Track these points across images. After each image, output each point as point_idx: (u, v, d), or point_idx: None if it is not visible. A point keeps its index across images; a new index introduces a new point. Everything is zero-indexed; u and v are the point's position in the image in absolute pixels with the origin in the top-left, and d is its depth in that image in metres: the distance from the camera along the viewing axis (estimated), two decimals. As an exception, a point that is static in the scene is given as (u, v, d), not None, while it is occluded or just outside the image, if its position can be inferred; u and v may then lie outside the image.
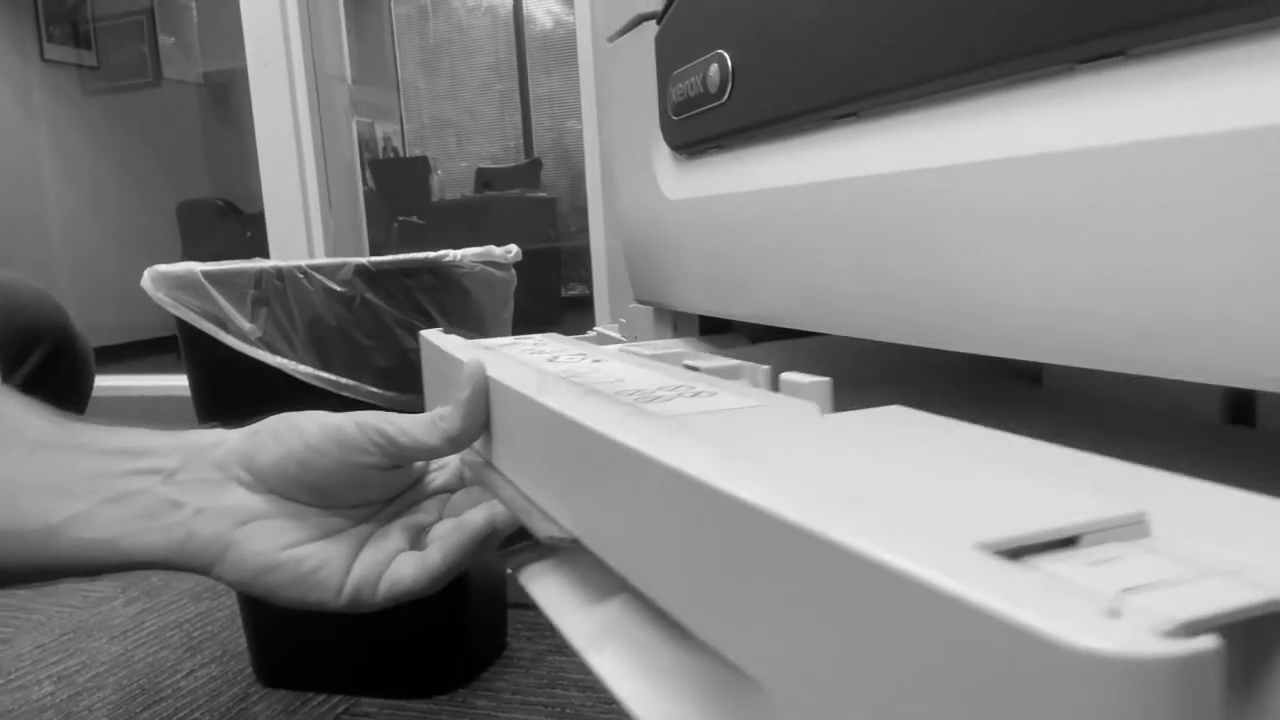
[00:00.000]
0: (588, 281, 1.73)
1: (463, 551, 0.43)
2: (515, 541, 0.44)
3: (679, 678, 0.27)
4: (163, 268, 0.91)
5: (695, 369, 0.40)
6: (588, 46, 1.44)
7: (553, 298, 3.45)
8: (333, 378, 0.87)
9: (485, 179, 3.69)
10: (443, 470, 0.47)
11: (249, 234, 3.04)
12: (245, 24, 1.62)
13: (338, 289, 0.87)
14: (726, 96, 0.45)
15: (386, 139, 3.93)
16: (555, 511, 0.35)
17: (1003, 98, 0.31)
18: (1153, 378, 0.42)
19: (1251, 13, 0.23)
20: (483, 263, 0.94)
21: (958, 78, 0.32)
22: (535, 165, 3.82)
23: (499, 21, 4.32)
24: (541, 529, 0.38)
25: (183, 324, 0.91)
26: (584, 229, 1.58)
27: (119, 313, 2.39)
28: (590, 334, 0.72)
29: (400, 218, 3.25)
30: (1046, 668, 0.13)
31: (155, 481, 0.41)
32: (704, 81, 0.46)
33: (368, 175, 2.99)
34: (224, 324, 0.89)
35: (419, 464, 0.46)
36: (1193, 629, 0.14)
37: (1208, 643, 0.13)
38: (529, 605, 0.73)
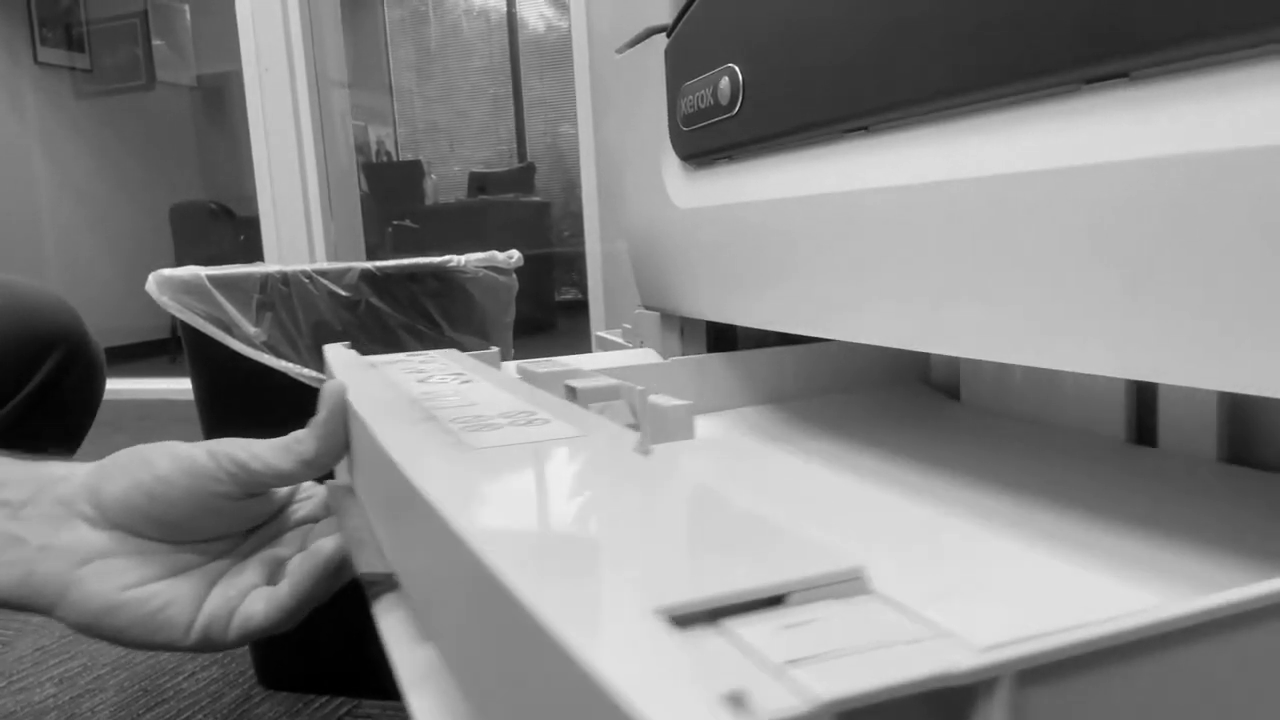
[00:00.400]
0: (581, 286, 1.74)
1: (313, 582, 0.41)
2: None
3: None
4: (167, 272, 0.91)
5: (572, 389, 0.40)
6: (583, 51, 1.45)
7: (547, 302, 3.45)
8: (337, 381, 0.88)
9: (479, 183, 3.69)
10: (308, 500, 0.46)
11: (242, 237, 3.04)
12: (245, 30, 1.62)
13: (343, 293, 0.88)
14: (737, 109, 0.46)
15: (380, 143, 3.93)
16: (383, 542, 0.34)
17: (1010, 115, 0.32)
18: (1064, 398, 0.46)
19: (1248, 39, 0.24)
20: (486, 268, 0.95)
21: (967, 95, 0.33)
22: (529, 169, 3.83)
23: (492, 25, 4.32)
24: (363, 562, 0.38)
25: (187, 328, 0.92)
26: (577, 233, 1.59)
27: (112, 316, 2.39)
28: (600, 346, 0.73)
29: (394, 222, 3.25)
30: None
31: (1, 516, 0.39)
32: (714, 94, 0.47)
33: (362, 179, 2.99)
34: (229, 328, 0.90)
35: (280, 493, 0.44)
36: (833, 708, 0.13)
37: None
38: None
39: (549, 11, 4.28)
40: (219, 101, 3.64)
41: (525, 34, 4.26)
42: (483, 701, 0.22)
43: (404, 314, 0.90)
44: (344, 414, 0.39)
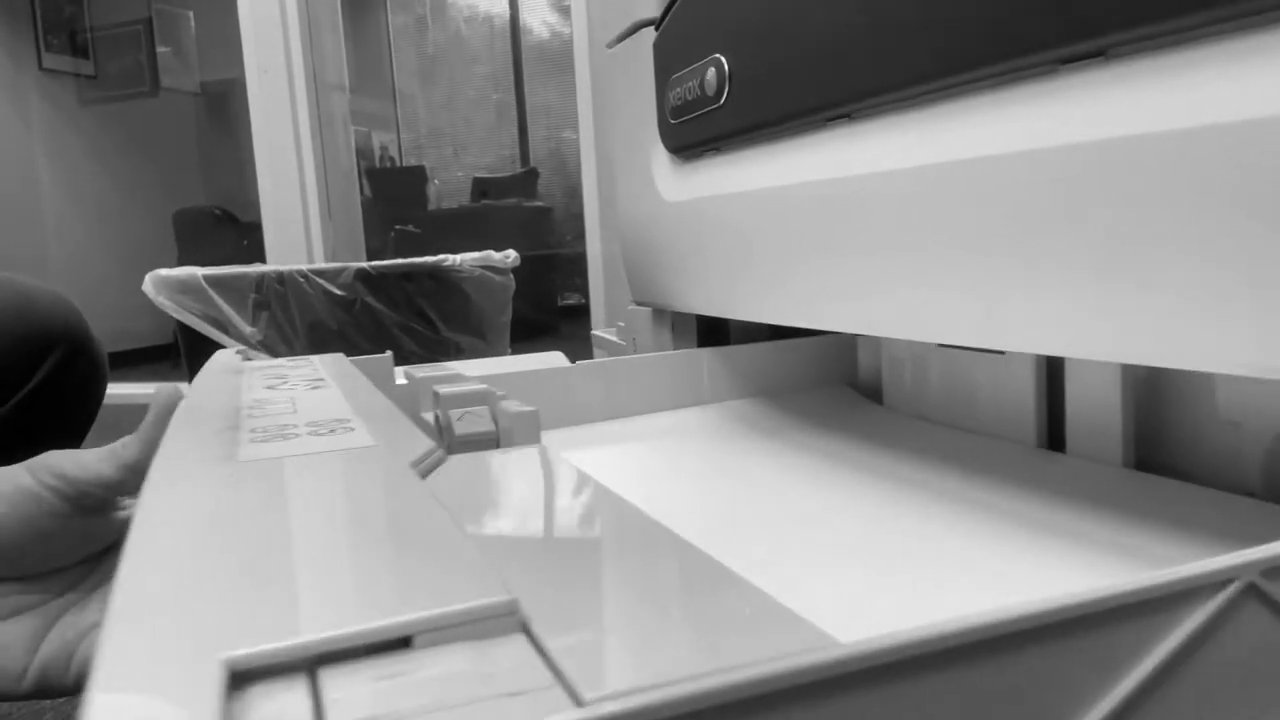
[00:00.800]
0: (583, 290, 1.74)
1: None
2: None
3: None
4: (164, 272, 0.92)
5: (437, 394, 0.39)
6: (584, 57, 1.46)
7: (549, 306, 3.46)
8: (333, 381, 0.88)
9: (482, 188, 3.70)
10: None
11: (245, 242, 3.05)
12: (244, 31, 1.63)
13: (338, 293, 0.88)
14: (723, 100, 0.46)
15: (383, 148, 3.94)
16: None
17: (990, 98, 0.32)
18: (978, 403, 0.46)
19: (1222, 13, 0.24)
20: (482, 267, 0.95)
21: (945, 79, 0.33)
22: (532, 175, 3.83)
23: (495, 32, 4.33)
24: None
25: (184, 327, 0.92)
26: (580, 237, 1.59)
27: (116, 320, 2.40)
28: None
29: (397, 226, 3.26)
30: None
31: None
32: (701, 85, 0.47)
33: (365, 184, 3.00)
34: (225, 327, 0.90)
35: (123, 517, 0.41)
36: None
37: None
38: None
39: (552, 18, 4.29)
40: (223, 108, 3.65)
41: (529, 40, 4.27)
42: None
43: (399, 313, 0.90)
44: (169, 420, 0.36)
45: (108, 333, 0.88)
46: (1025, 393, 0.45)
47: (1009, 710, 0.16)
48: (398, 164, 4.03)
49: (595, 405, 0.53)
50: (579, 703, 0.13)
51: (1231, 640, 0.18)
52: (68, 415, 0.81)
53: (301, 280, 0.91)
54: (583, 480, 0.27)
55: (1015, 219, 0.31)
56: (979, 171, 0.31)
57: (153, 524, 0.21)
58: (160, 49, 3.53)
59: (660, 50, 0.53)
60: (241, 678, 0.14)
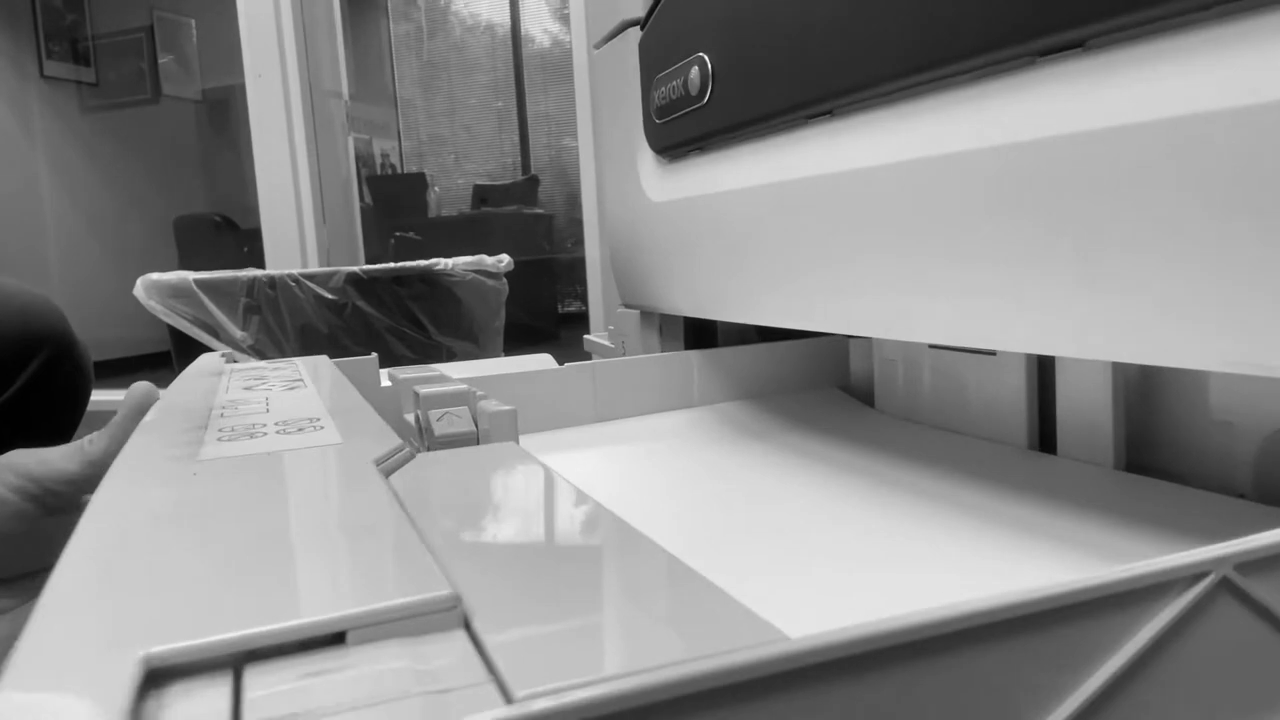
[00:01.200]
0: (583, 298, 1.74)
1: None
2: None
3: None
4: (155, 276, 0.91)
5: (417, 394, 0.39)
6: (583, 65, 1.46)
7: (549, 312, 3.46)
8: (324, 385, 0.87)
9: (482, 195, 3.70)
10: None
11: (245, 249, 3.05)
12: (243, 37, 1.63)
13: (329, 297, 0.88)
14: (707, 98, 0.45)
15: (384, 155, 3.95)
16: None
17: (970, 91, 0.31)
18: (969, 405, 0.46)
19: (1199, 2, 0.24)
20: (474, 271, 0.94)
21: (927, 74, 0.32)
22: (532, 182, 3.84)
23: (497, 40, 4.34)
24: None
25: (175, 332, 0.91)
26: (580, 243, 1.59)
27: (116, 327, 2.39)
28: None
29: (397, 233, 3.26)
30: None
31: None
32: (685, 84, 0.47)
33: (365, 191, 3.00)
34: (216, 331, 0.90)
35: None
36: None
37: None
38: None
39: (553, 26, 4.30)
40: (223, 115, 3.66)
41: (530, 49, 4.28)
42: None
43: (390, 317, 0.89)
44: (142, 415, 0.35)
45: (107, 339, 0.88)
46: (1016, 394, 0.44)
47: (976, 706, 0.15)
48: (398, 171, 4.04)
49: (583, 407, 0.52)
50: (508, 699, 0.13)
51: (1205, 634, 0.17)
52: (52, 419, 0.81)
53: (292, 284, 0.91)
54: (549, 477, 0.27)
55: (999, 213, 0.30)
56: (961, 166, 0.31)
57: (97, 521, 0.20)
58: (162, 57, 3.54)
59: (645, 50, 0.52)
60: (160, 675, 0.13)
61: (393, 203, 3.41)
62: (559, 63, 4.17)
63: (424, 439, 0.40)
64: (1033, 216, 0.29)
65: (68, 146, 3.25)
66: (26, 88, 3.14)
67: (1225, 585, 0.17)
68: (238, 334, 0.94)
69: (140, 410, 0.36)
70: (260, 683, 0.13)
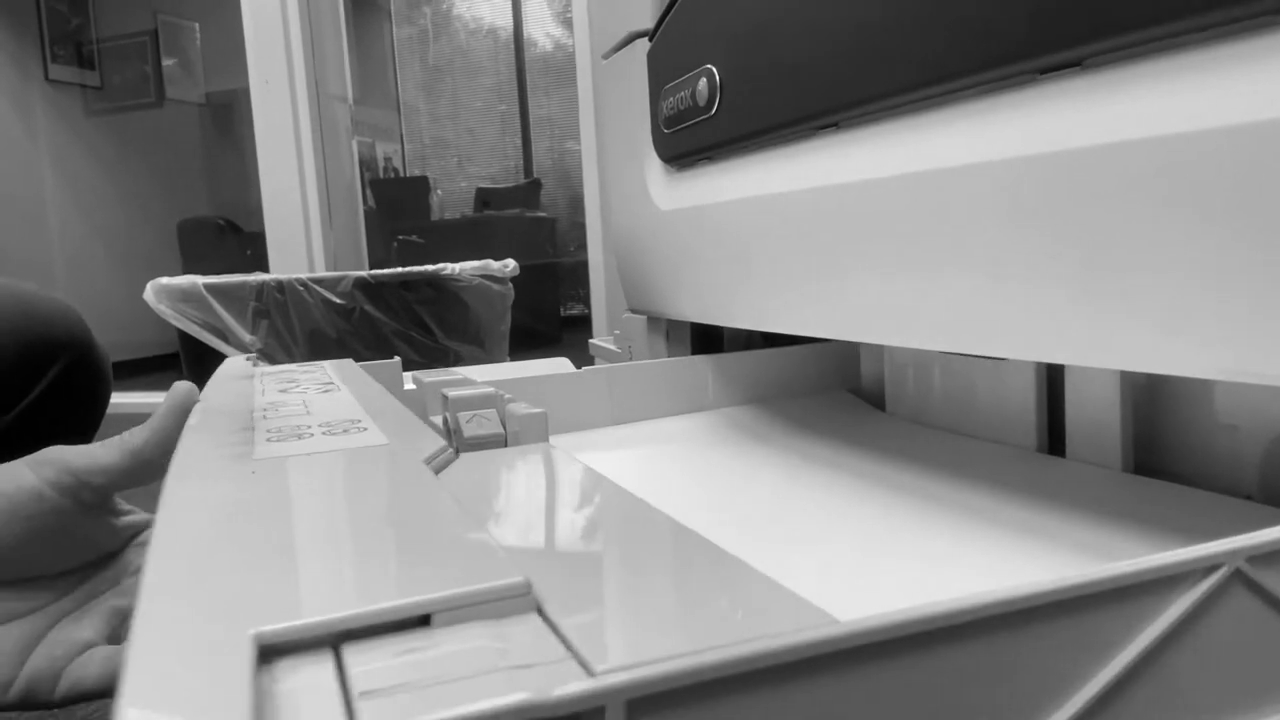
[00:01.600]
0: (586, 301, 1.75)
1: None
2: None
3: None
4: (165, 280, 0.92)
5: (445, 397, 0.40)
6: (586, 69, 1.47)
7: (552, 316, 3.47)
8: (332, 389, 0.88)
9: (485, 198, 3.71)
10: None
11: (249, 252, 3.06)
12: (248, 42, 1.64)
13: (337, 301, 0.89)
14: (715, 109, 0.46)
15: (387, 159, 3.96)
16: None
17: (972, 106, 0.32)
18: (980, 407, 0.47)
19: (1196, 23, 0.24)
20: (480, 276, 0.95)
21: (931, 89, 0.33)
22: (535, 185, 3.85)
23: (500, 44, 4.36)
24: None
25: (184, 336, 0.92)
26: (582, 247, 1.59)
27: (121, 330, 2.41)
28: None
29: (400, 236, 3.27)
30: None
31: None
32: (693, 95, 0.48)
33: (368, 194, 3.01)
34: (225, 335, 0.91)
35: (123, 522, 0.40)
36: None
37: None
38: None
39: (556, 30, 4.31)
40: (227, 118, 3.67)
41: (532, 53, 4.29)
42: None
43: (398, 321, 0.90)
44: (183, 414, 0.36)
45: (112, 343, 0.89)
46: (1026, 398, 0.45)
47: (997, 691, 0.16)
48: (401, 174, 4.05)
49: (600, 411, 0.53)
50: (590, 673, 0.14)
51: (1218, 624, 0.18)
52: (72, 423, 0.82)
53: (301, 289, 0.91)
54: (589, 475, 0.28)
55: (1000, 225, 0.31)
56: (963, 179, 0.32)
57: (176, 514, 0.21)
58: (166, 60, 3.55)
59: (654, 61, 0.53)
60: (269, 652, 0.14)
61: (396, 206, 3.42)
62: (562, 66, 4.18)
63: (452, 440, 0.40)
64: (1034, 228, 0.30)
65: (72, 149, 3.27)
66: (31, 91, 3.15)
67: (1238, 577, 0.18)
68: (246, 338, 0.95)
69: (181, 408, 0.37)
70: (360, 659, 0.14)
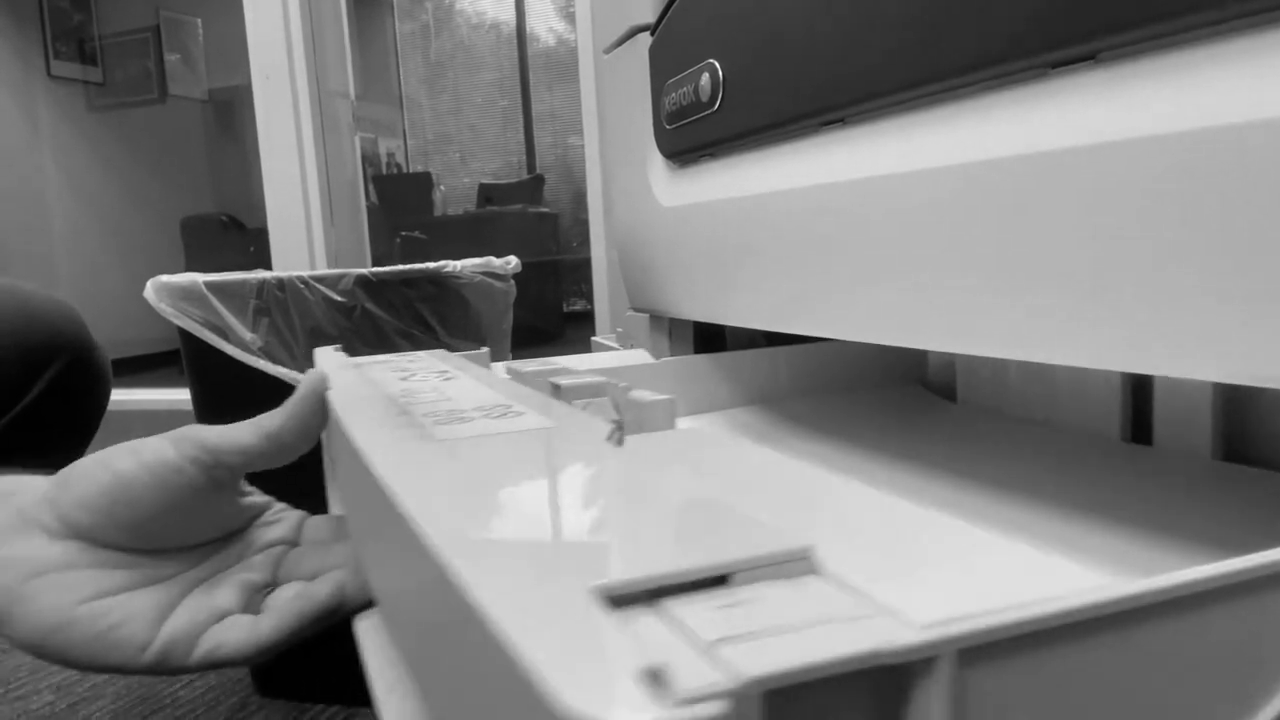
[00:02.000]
0: (589, 297, 1.75)
1: (301, 625, 0.38)
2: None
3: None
4: (165, 278, 0.92)
5: (557, 385, 0.40)
6: (589, 64, 1.46)
7: (554, 311, 3.46)
8: (333, 387, 0.88)
9: (488, 194, 3.71)
10: (279, 523, 0.42)
11: (252, 248, 3.06)
12: (249, 38, 1.64)
13: (338, 299, 0.88)
14: (718, 105, 0.46)
15: (390, 155, 3.96)
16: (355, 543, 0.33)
17: (982, 101, 0.31)
18: (1060, 397, 0.46)
19: (1212, 16, 0.24)
20: (482, 273, 0.95)
21: (939, 84, 0.33)
22: (538, 181, 3.84)
23: (502, 39, 4.35)
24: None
25: (185, 334, 0.92)
26: (585, 242, 1.59)
27: (122, 327, 2.40)
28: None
29: (403, 233, 3.27)
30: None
31: None
32: (696, 90, 0.47)
33: (371, 190, 3.01)
34: (225, 334, 0.90)
35: (251, 503, 0.42)
36: (759, 685, 0.13)
37: (709, 710, 0.12)
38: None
39: (559, 25, 4.30)
40: (230, 115, 3.67)
41: (535, 48, 4.28)
42: (431, 686, 0.22)
43: (399, 319, 0.90)
44: (318, 400, 0.38)
45: (115, 339, 0.89)
46: (1110, 384, 0.44)
47: (1240, 652, 0.18)
48: (404, 170, 4.04)
49: (685, 400, 0.54)
50: (911, 627, 0.15)
51: None
52: (72, 422, 0.82)
53: (302, 286, 0.91)
54: (764, 455, 0.28)
55: (1008, 223, 0.30)
56: (972, 175, 0.31)
57: (420, 485, 0.22)
58: (168, 56, 3.55)
59: (655, 56, 0.53)
60: (614, 601, 0.16)
61: (398, 202, 3.42)
62: (564, 61, 4.17)
63: (619, 421, 0.40)
64: (1044, 225, 0.29)
65: (74, 146, 3.27)
66: (33, 87, 3.15)
67: None
68: (247, 336, 0.95)
69: (315, 395, 0.38)
70: (688, 611, 0.15)
